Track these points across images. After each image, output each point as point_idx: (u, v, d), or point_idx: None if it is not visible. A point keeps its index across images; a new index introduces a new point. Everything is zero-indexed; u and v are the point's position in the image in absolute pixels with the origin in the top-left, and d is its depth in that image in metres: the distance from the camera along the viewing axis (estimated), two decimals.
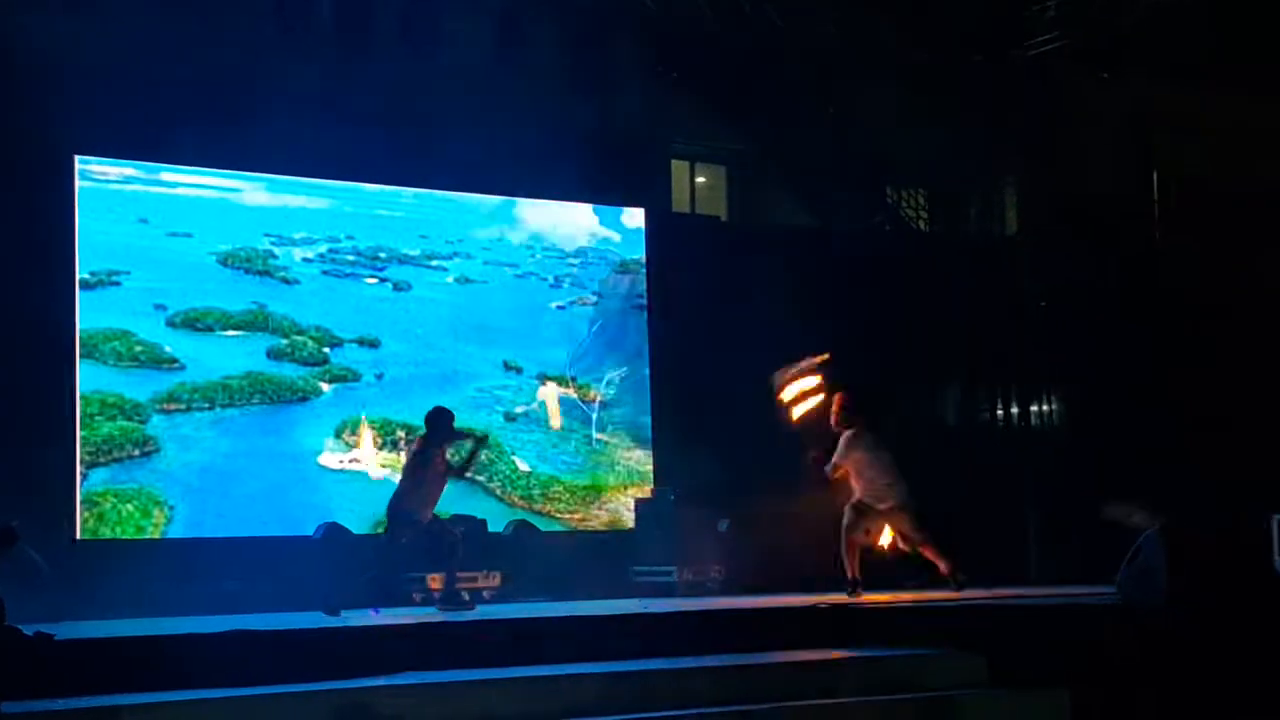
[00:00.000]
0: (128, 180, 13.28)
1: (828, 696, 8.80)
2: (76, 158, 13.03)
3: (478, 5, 13.93)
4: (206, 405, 13.36)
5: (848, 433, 12.45)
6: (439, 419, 11.64)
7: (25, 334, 12.51)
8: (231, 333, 13.64)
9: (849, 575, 12.16)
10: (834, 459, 12.45)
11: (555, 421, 14.90)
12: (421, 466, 11.49)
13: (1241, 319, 16.17)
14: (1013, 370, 16.62)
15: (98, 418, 12.83)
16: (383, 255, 14.37)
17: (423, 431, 11.79)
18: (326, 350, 13.99)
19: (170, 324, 13.33)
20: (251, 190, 13.89)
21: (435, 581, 12.08)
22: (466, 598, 11.61)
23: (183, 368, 13.28)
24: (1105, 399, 16.15)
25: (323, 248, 14.11)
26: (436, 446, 11.54)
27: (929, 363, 16.13)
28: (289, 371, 13.82)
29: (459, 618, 10.63)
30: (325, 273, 14.11)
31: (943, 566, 12.38)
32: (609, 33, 14.34)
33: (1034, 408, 16.91)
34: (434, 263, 14.64)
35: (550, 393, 14.88)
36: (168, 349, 13.27)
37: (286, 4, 12.87)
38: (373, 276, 14.34)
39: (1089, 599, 10.91)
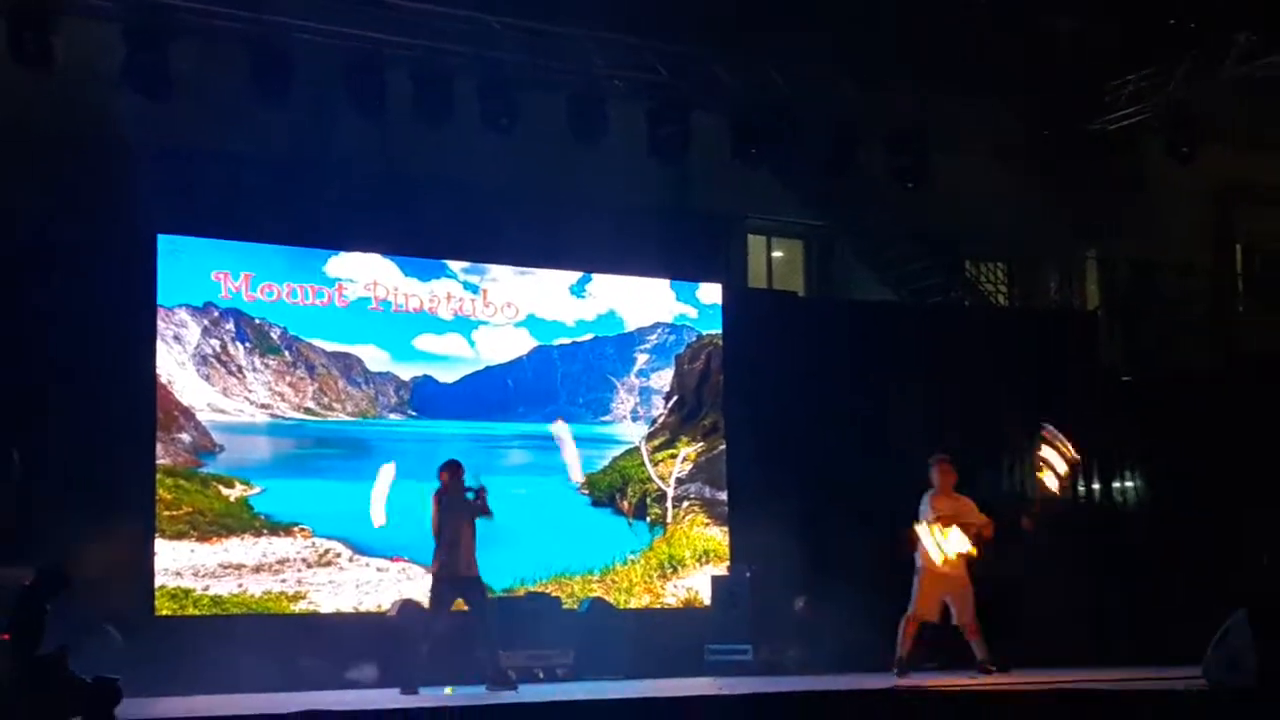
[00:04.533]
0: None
1: None
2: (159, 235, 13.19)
3: (554, 81, 14.03)
4: None
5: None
6: (445, 469, 11.70)
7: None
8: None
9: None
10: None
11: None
12: (445, 520, 11.56)
13: None
14: (1094, 445, 16.37)
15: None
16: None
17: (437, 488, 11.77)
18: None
19: None
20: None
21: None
22: (512, 676, 11.50)
23: None
24: (1189, 474, 15.86)
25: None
26: (448, 495, 11.61)
27: (1007, 436, 15.89)
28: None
29: (505, 698, 10.60)
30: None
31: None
32: (686, 108, 14.38)
33: (1115, 484, 16.65)
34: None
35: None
36: None
37: (361, 80, 12.98)
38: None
39: (1173, 682, 10.62)
